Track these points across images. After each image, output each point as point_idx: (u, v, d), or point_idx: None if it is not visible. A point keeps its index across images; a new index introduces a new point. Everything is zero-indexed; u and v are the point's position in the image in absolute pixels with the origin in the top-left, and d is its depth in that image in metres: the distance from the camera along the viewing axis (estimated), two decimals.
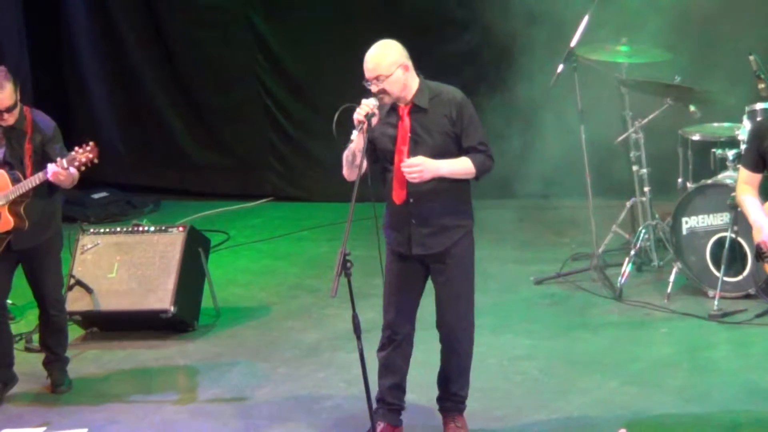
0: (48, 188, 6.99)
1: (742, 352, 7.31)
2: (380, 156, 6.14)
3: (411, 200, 6.06)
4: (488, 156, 6.10)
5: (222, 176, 11.70)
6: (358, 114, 5.91)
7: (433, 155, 6.00)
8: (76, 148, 6.88)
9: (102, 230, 8.55)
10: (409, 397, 6.66)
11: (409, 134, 6.04)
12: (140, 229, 8.47)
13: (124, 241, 8.41)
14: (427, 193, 6.05)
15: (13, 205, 6.94)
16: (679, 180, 8.58)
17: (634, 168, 8.68)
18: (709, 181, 8.08)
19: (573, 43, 8.49)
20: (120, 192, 11.61)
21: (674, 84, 8.37)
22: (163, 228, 8.48)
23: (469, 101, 6.12)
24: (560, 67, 8.47)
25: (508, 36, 10.11)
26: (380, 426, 6.25)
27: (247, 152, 11.63)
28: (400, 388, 6.35)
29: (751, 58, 8.02)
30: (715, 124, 8.63)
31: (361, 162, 5.86)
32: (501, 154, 9.87)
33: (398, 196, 6.09)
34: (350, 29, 10.85)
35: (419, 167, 5.94)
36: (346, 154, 6.02)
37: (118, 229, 8.58)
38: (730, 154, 8.15)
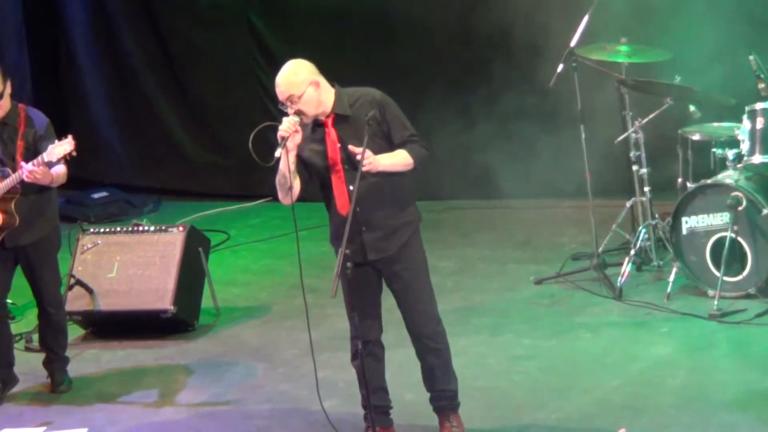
0: (39, 185, 6.97)
1: (742, 352, 7.31)
2: (314, 174, 6.09)
3: (357, 208, 5.96)
4: (421, 145, 6.05)
5: (222, 176, 11.71)
6: (281, 130, 5.89)
7: None
8: (55, 141, 6.86)
9: (102, 230, 8.55)
10: (408, 397, 6.67)
11: (338, 144, 5.99)
12: (140, 229, 8.48)
13: (124, 241, 8.41)
14: (370, 198, 5.99)
15: (1, 202, 6.93)
16: (679, 180, 8.57)
17: (634, 168, 8.67)
18: (709, 181, 8.08)
19: (573, 43, 8.48)
20: (120, 192, 11.62)
21: (674, 84, 8.37)
22: (163, 228, 8.48)
23: (387, 97, 6.08)
24: (560, 67, 8.46)
25: (507, 37, 10.12)
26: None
27: (247, 152, 11.59)
28: (382, 390, 6.32)
29: (751, 58, 8.02)
30: (715, 124, 8.62)
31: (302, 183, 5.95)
32: (501, 154, 9.99)
33: (343, 207, 6.02)
34: (349, 29, 10.87)
35: (369, 156, 5.86)
36: (278, 179, 6.01)
37: (118, 229, 8.58)
38: (730, 154, 8.15)
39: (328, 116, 6.02)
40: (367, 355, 6.16)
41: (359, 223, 6.03)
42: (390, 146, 6.03)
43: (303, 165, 6.05)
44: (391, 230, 6.08)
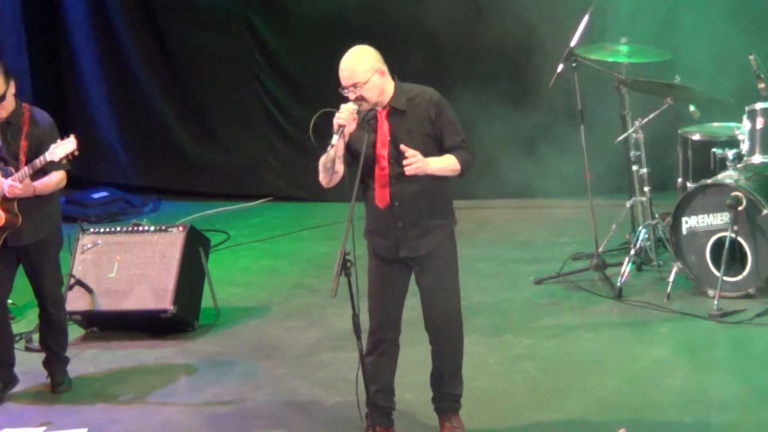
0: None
1: (742, 352, 7.31)
2: (358, 162, 6.04)
3: (396, 203, 6.00)
4: (470, 152, 6.05)
5: (222, 176, 11.71)
6: (339, 118, 5.86)
7: None
8: (58, 140, 6.86)
9: (102, 230, 8.55)
10: (408, 397, 6.67)
11: (388, 138, 5.98)
12: (140, 229, 8.48)
13: (124, 241, 8.41)
14: (411, 195, 6.01)
15: (5, 201, 6.93)
16: (679, 180, 8.58)
17: (634, 168, 8.67)
18: (709, 181, 8.08)
19: (573, 43, 8.49)
20: (120, 192, 11.62)
21: (674, 84, 8.37)
22: (163, 228, 8.48)
23: (445, 100, 6.07)
24: (560, 67, 8.47)
25: (505, 37, 10.12)
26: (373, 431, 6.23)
27: (247, 152, 11.64)
28: (389, 390, 6.32)
29: (751, 58, 8.03)
30: (715, 124, 8.63)
31: (355, 170, 5.84)
32: (501, 155, 9.99)
33: (382, 199, 6.02)
34: (349, 30, 10.86)
35: (418, 159, 5.87)
36: (323, 161, 5.97)
37: (118, 229, 8.58)
38: (730, 154, 8.15)
39: (384, 107, 6.00)
40: (381, 354, 6.19)
41: (395, 218, 6.04)
42: (439, 148, 6.02)
43: (349, 152, 6.02)
44: (427, 230, 6.07)
